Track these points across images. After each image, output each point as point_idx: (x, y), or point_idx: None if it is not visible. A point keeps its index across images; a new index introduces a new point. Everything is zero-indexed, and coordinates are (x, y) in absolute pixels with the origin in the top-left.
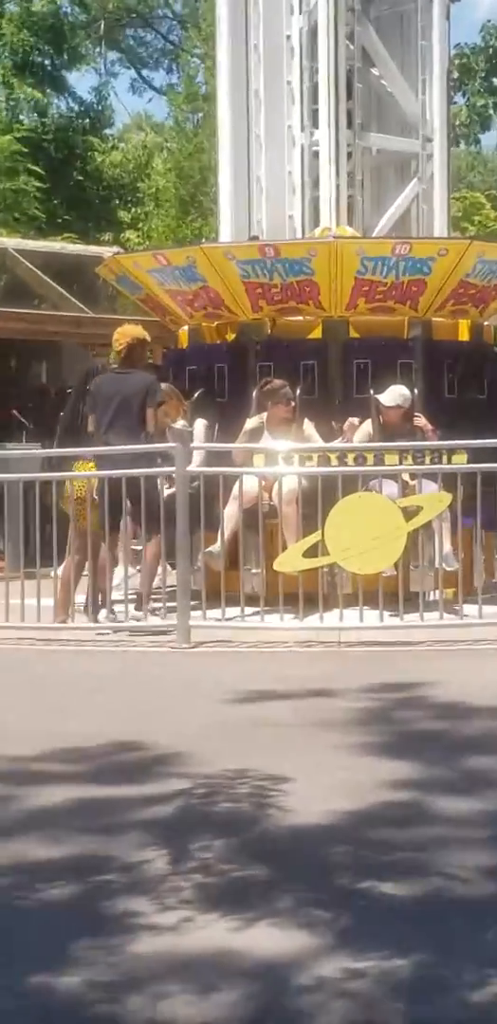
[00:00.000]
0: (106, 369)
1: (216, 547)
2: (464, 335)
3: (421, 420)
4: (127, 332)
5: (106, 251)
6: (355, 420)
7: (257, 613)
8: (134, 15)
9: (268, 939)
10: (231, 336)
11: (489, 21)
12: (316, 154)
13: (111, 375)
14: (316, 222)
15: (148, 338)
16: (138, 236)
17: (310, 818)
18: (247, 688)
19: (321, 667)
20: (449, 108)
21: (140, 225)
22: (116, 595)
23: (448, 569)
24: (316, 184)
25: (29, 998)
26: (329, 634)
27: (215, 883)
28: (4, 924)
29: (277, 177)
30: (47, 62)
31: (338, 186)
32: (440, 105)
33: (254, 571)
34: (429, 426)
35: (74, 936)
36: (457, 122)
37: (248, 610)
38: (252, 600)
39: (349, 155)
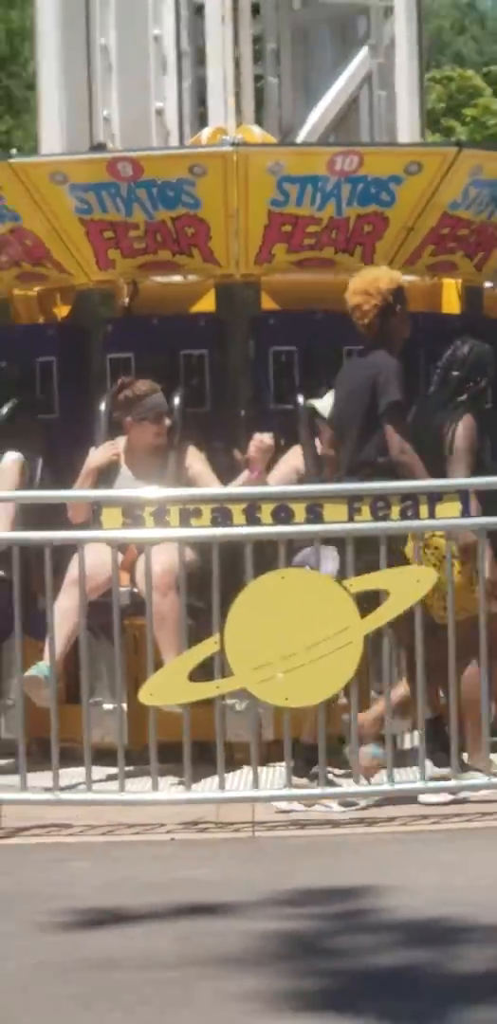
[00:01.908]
0: None
1: (41, 667)
2: (452, 304)
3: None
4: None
5: None
6: (267, 439)
7: (114, 778)
8: None
9: None
10: (62, 311)
11: None
12: (199, 8)
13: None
14: (202, 120)
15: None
16: None
17: None
18: (95, 905)
19: (222, 867)
20: None
21: None
22: None
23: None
24: (202, 58)
25: None
26: (236, 811)
27: None
28: None
29: (136, 46)
30: None
31: (238, 60)
32: None
33: (107, 706)
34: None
35: None
36: None
37: (99, 772)
38: (105, 755)
39: (255, 8)
